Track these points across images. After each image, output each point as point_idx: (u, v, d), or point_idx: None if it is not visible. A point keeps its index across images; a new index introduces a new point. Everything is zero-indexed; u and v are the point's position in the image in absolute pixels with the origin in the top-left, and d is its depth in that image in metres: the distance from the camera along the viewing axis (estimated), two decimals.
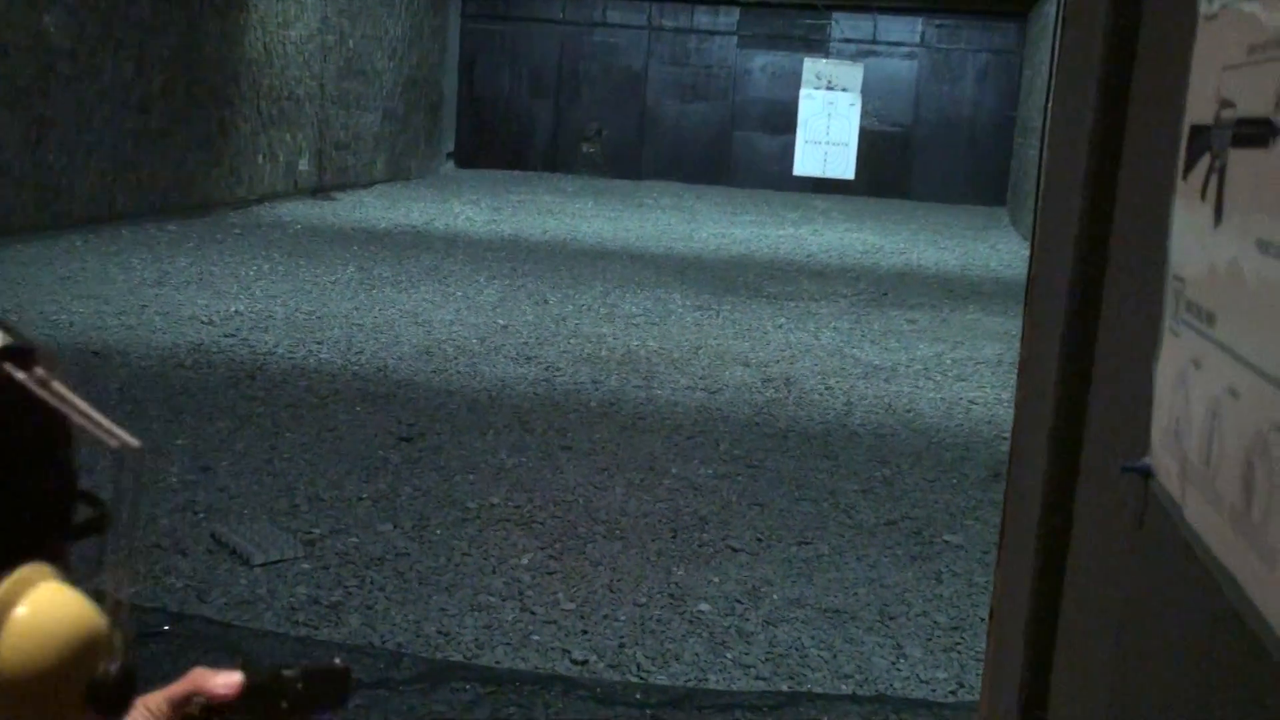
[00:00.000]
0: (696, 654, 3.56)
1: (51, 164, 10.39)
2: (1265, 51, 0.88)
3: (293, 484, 4.76)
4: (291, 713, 1.02)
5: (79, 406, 0.83)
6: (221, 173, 13.00)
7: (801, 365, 7.28)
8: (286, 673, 1.02)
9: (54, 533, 0.85)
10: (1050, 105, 2.04)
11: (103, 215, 10.98)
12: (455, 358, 6.94)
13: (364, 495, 4.68)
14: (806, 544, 4.45)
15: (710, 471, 5.20)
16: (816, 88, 19.23)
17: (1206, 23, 1.08)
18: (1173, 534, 1.10)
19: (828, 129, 19.21)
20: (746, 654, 3.57)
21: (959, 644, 3.71)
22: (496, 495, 4.76)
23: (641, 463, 5.26)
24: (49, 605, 0.78)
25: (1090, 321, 1.58)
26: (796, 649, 3.62)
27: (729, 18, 19.54)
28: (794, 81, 19.39)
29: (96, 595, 0.83)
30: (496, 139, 20.05)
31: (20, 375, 0.80)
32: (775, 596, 3.98)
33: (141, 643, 3.37)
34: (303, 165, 14.88)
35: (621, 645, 3.59)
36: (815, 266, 11.42)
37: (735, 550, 4.35)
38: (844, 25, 19.30)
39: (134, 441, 0.87)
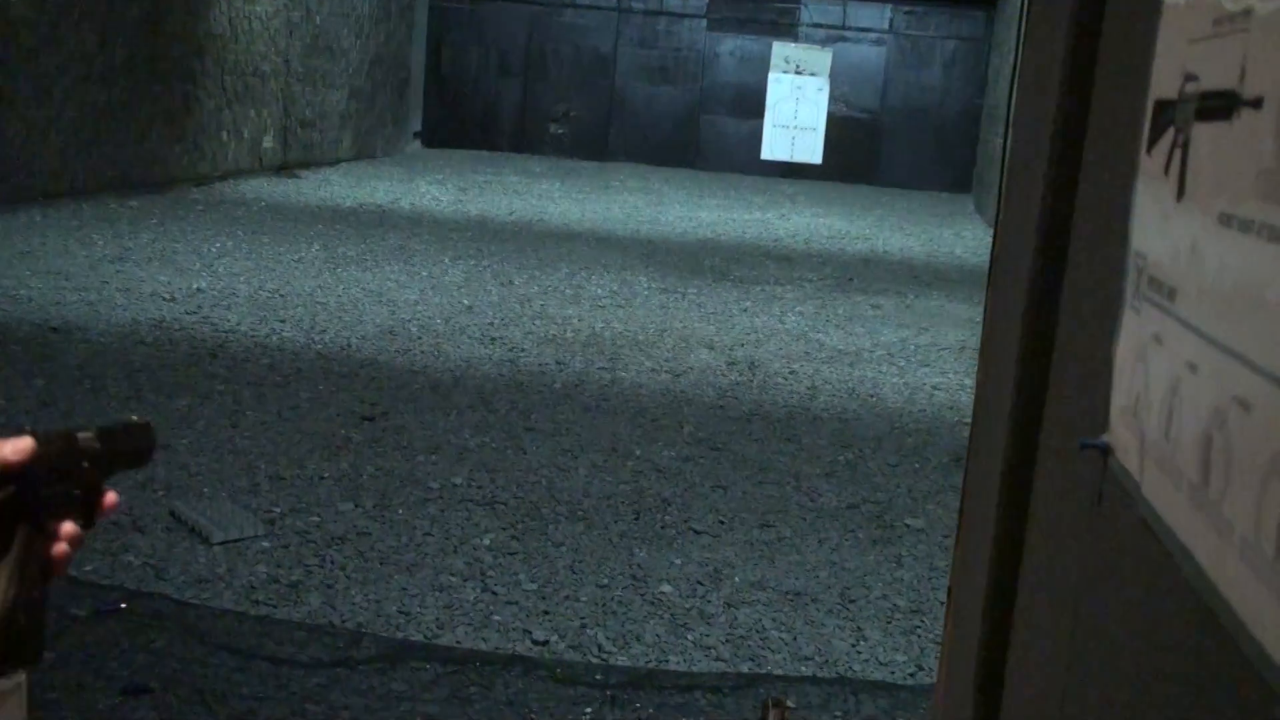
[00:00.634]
0: (658, 635, 3.55)
1: (11, 137, 10.25)
2: (1231, 23, 0.87)
3: (254, 462, 4.72)
4: (94, 472, 1.02)
5: None
6: (185, 148, 12.87)
7: (766, 349, 7.28)
8: (81, 434, 1.01)
9: None
10: (1016, 84, 2.04)
11: (63, 190, 10.85)
12: (419, 337, 6.91)
13: (326, 474, 4.65)
14: (768, 527, 4.45)
15: (674, 454, 5.20)
16: (785, 72, 19.23)
17: None
18: (1130, 510, 1.10)
19: (796, 114, 19.22)
20: (707, 635, 3.57)
21: (918, 627, 3.73)
22: (459, 475, 4.74)
23: (605, 444, 5.25)
24: None
25: (1051, 301, 1.58)
26: (757, 631, 3.62)
27: (699, 1, 19.50)
28: (763, 66, 19.38)
29: None
30: (464, 119, 19.94)
31: None
32: (737, 579, 3.98)
33: (99, 620, 3.35)
34: (267, 142, 14.75)
35: (583, 626, 3.58)
36: (781, 251, 11.43)
37: (697, 532, 4.35)
38: (813, 10, 19.30)
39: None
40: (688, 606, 3.75)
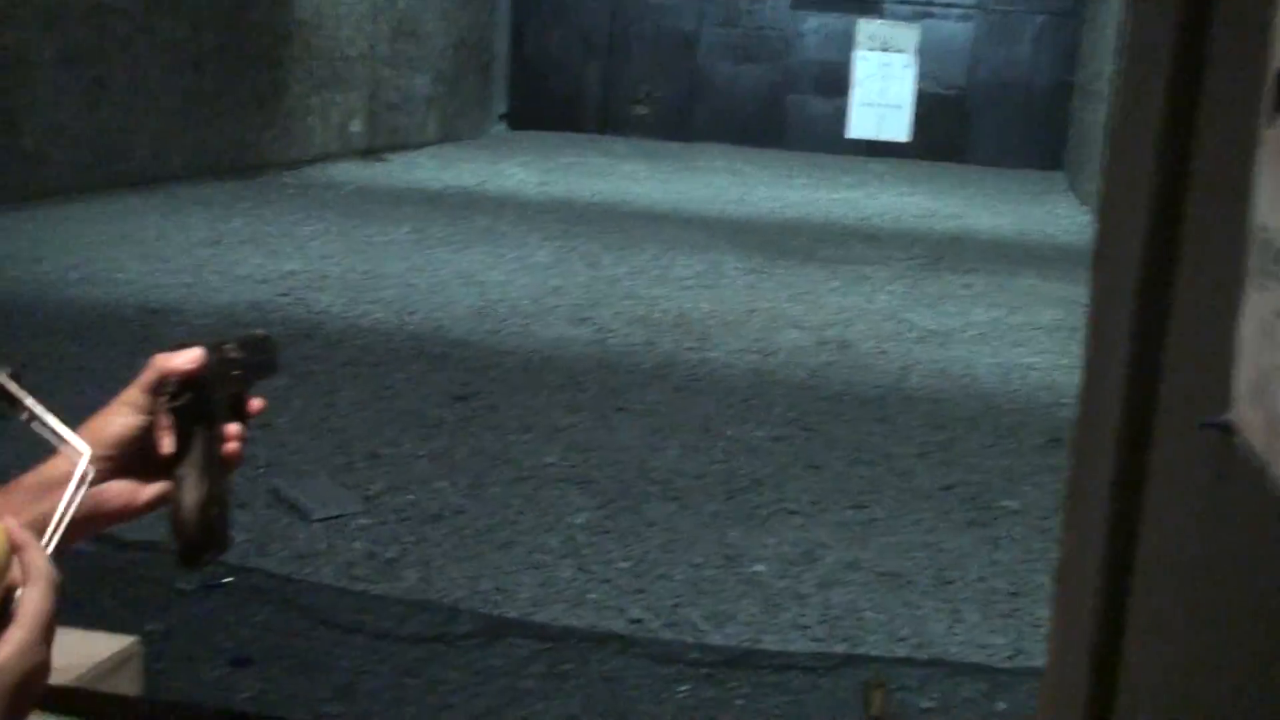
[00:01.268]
0: (752, 615, 3.56)
1: (108, 124, 10.49)
2: None
3: (350, 441, 4.80)
4: (240, 379, 1.10)
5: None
6: (275, 133, 13.06)
7: (856, 329, 7.23)
8: (226, 345, 1.10)
9: None
10: (1123, 55, 1.99)
11: (159, 175, 11.08)
12: (509, 318, 6.96)
13: (421, 453, 4.71)
14: (862, 508, 4.43)
15: (765, 434, 5.19)
16: (871, 49, 19.01)
17: None
18: (1257, 489, 1.08)
19: (882, 91, 19.00)
20: (802, 615, 3.57)
21: (1017, 610, 3.69)
22: (552, 454, 4.77)
23: (696, 424, 5.26)
24: None
25: (1164, 277, 1.55)
26: (852, 612, 3.61)
27: None
28: (847, 43, 19.16)
29: None
30: (548, 101, 19.99)
31: None
32: (830, 559, 3.97)
33: (205, 594, 3.43)
34: (355, 126, 14.92)
35: (677, 604, 3.59)
36: (869, 230, 11.33)
37: (791, 513, 4.34)
38: None
39: (84, 448, 0.99)
40: (781, 586, 3.75)
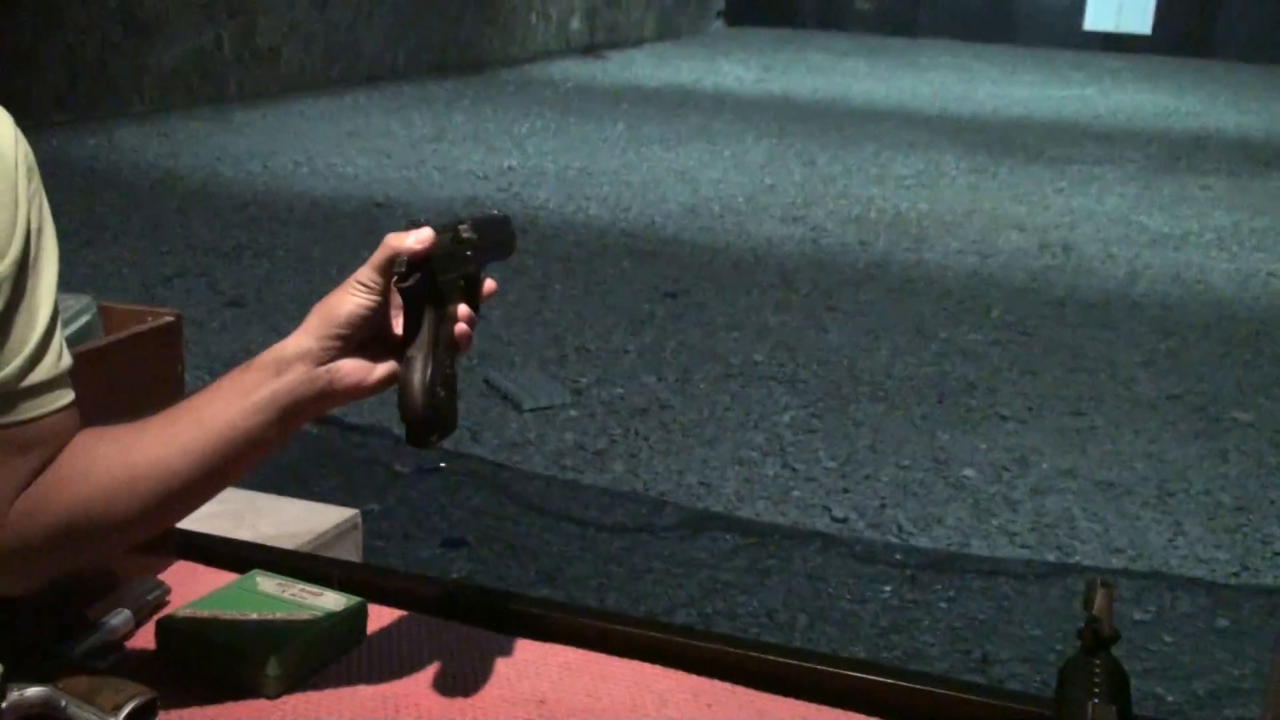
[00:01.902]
0: (960, 519, 3.49)
1: (338, 22, 10.79)
2: None
3: (561, 334, 4.87)
4: (473, 260, 1.09)
5: None
6: (496, 31, 13.22)
7: (1082, 231, 6.93)
8: (461, 226, 1.08)
9: None
10: None
11: (385, 73, 11.37)
12: (721, 216, 6.92)
13: (629, 348, 4.75)
14: (1080, 415, 4.27)
15: (980, 337, 5.04)
16: None
17: None
18: None
19: None
20: (1012, 522, 3.48)
21: (1244, 525, 3.51)
22: (760, 352, 4.75)
23: (908, 326, 5.15)
24: None
25: None
26: (1066, 520, 3.50)
27: None
28: None
29: None
30: None
31: None
32: (1045, 466, 3.85)
33: (421, 477, 3.56)
34: (574, 24, 14.97)
35: (882, 506, 3.55)
36: (1101, 129, 10.80)
37: (1004, 418, 4.22)
38: None
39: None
40: (992, 492, 3.66)
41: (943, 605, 3.02)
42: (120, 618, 1.18)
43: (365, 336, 1.04)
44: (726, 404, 4.25)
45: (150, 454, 1.01)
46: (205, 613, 1.19)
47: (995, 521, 3.47)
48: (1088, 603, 1.07)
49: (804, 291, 5.58)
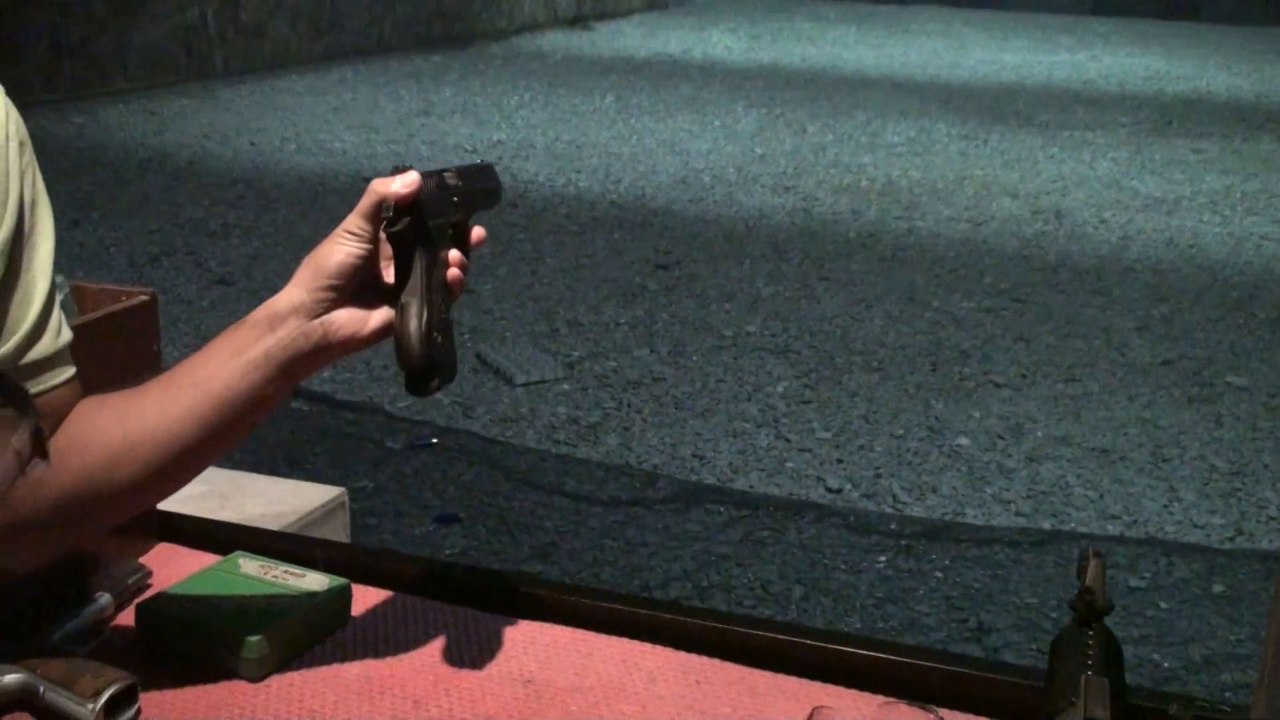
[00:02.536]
0: (954, 487, 3.48)
1: None
2: None
3: (553, 308, 4.85)
4: (460, 207, 1.08)
5: None
6: (483, 3, 13.13)
7: (1074, 197, 6.90)
8: (445, 173, 1.08)
9: None
10: None
11: (371, 47, 11.29)
12: (712, 187, 6.88)
13: (621, 320, 4.73)
14: (1074, 381, 4.26)
15: (973, 305, 5.03)
16: None
17: None
18: None
19: None
20: (1007, 490, 3.47)
21: (1238, 490, 3.51)
22: (752, 324, 4.73)
23: (901, 294, 5.13)
24: None
25: None
26: (1060, 487, 3.49)
27: None
28: None
29: None
30: None
31: None
32: (1039, 433, 3.84)
33: (413, 453, 3.54)
34: None
35: (877, 475, 3.54)
36: (1092, 94, 10.75)
37: (998, 385, 4.21)
38: None
39: None
40: (986, 460, 3.65)
41: (938, 575, 3.01)
42: (100, 601, 1.16)
43: (357, 287, 1.02)
44: (719, 375, 4.23)
45: (149, 420, 0.99)
46: (186, 595, 1.17)
47: (990, 490, 3.47)
48: (1080, 573, 1.05)
49: (796, 261, 5.55)
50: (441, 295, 1.04)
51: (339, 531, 2.12)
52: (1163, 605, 2.90)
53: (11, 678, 1.01)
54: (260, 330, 1.00)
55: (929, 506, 3.37)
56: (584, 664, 1.16)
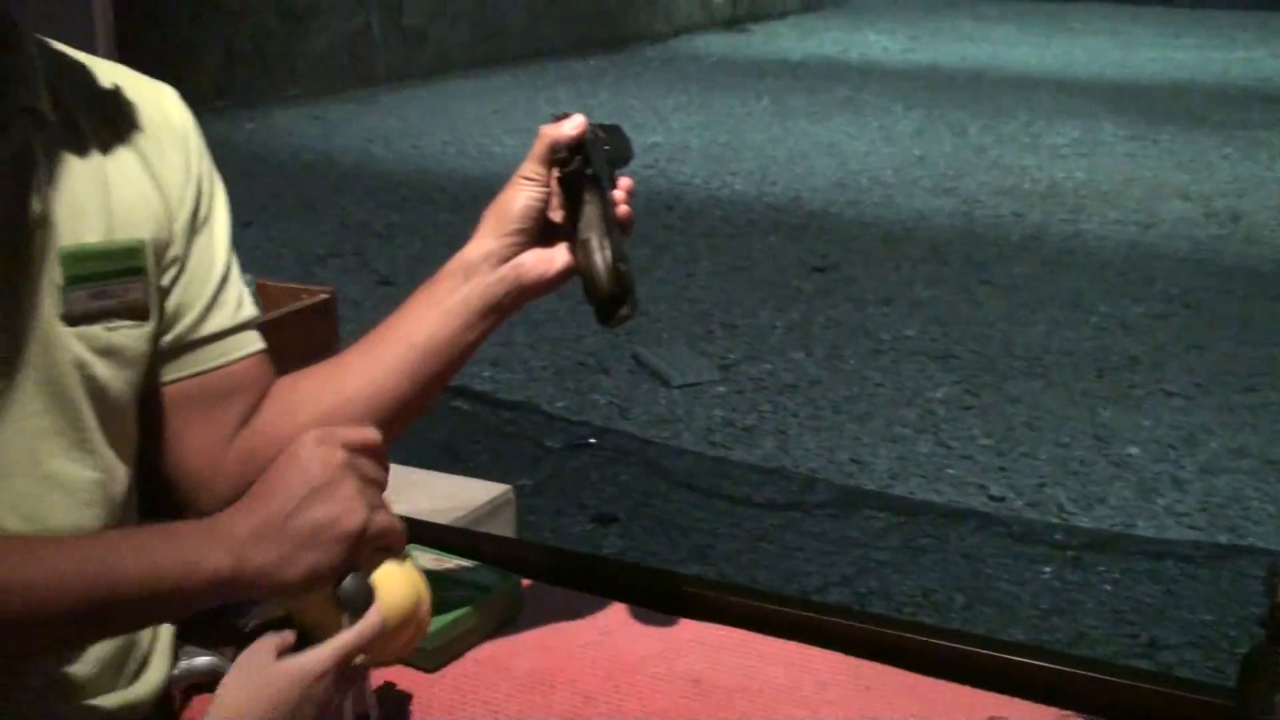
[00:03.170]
0: (1124, 498, 3.37)
1: (483, 2, 10.89)
2: None
3: (708, 311, 4.85)
4: (612, 162, 1.12)
5: None
6: (640, 6, 13.21)
7: (1251, 199, 6.63)
8: (591, 124, 1.12)
9: None
10: None
11: (530, 51, 11.45)
12: (870, 189, 6.80)
13: (777, 323, 4.71)
14: (1252, 390, 4.09)
15: (1142, 310, 4.87)
16: None
17: None
18: None
19: None
20: (1179, 502, 3.35)
21: None
22: (911, 328, 4.65)
23: (1066, 299, 4.99)
24: None
25: None
26: (1238, 500, 3.35)
27: None
28: None
29: None
30: None
31: None
32: (1214, 445, 3.69)
33: (571, 453, 3.57)
34: None
35: (1042, 484, 3.45)
36: (1272, 91, 10.32)
37: (1169, 394, 4.06)
38: None
39: None
40: (1157, 470, 3.53)
41: (1107, 588, 2.92)
42: None
43: (537, 231, 1.07)
44: (877, 380, 4.18)
45: (357, 378, 1.04)
46: None
47: (1162, 501, 3.35)
48: (1270, 590, 1.01)
49: (956, 264, 5.45)
50: (618, 229, 1.08)
51: (506, 528, 2.15)
52: None
53: (202, 660, 1.05)
54: (456, 280, 1.05)
55: (1097, 517, 3.27)
56: (752, 666, 1.15)
